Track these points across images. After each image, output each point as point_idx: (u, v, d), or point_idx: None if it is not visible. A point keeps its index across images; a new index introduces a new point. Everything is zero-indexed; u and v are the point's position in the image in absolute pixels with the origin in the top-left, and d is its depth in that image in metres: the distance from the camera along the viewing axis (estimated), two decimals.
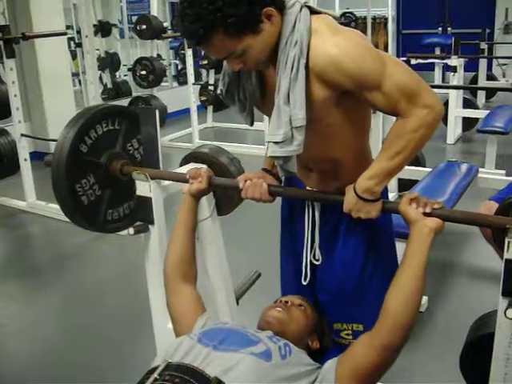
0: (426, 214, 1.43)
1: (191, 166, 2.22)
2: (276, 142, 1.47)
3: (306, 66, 1.43)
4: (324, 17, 1.49)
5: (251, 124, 1.66)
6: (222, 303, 2.28)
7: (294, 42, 1.42)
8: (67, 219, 2.03)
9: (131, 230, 2.01)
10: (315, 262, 1.78)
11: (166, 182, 2.08)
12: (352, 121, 1.57)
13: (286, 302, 1.70)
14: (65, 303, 3.34)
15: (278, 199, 1.81)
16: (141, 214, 2.05)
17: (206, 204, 2.20)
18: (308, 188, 1.74)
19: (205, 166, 1.83)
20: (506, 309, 1.43)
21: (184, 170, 2.23)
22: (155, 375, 1.29)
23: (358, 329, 1.77)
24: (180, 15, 1.39)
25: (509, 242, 1.41)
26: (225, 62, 1.59)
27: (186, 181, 1.82)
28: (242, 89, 1.59)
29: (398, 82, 1.42)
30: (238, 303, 2.43)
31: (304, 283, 1.79)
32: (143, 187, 2.01)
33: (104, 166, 1.95)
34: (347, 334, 1.80)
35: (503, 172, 4.66)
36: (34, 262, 4.06)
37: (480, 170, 3.95)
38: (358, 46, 1.42)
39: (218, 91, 1.65)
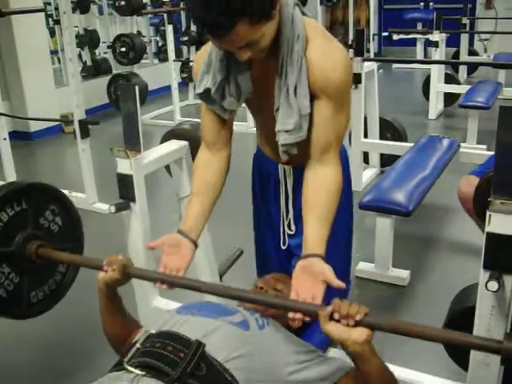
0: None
1: (172, 142, 2.21)
2: (287, 131, 1.52)
3: None
4: (311, 20, 1.54)
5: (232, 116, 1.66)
6: (205, 280, 2.28)
7: (297, 36, 1.46)
8: None
9: (112, 208, 1.99)
10: (289, 232, 1.86)
11: (147, 160, 2.06)
12: None
13: (262, 287, 1.70)
14: None
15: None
16: (122, 191, 2.03)
17: (188, 181, 2.19)
18: (280, 165, 1.80)
19: (124, 257, 1.58)
20: (487, 281, 1.44)
21: (164, 147, 2.21)
22: (137, 345, 1.33)
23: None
24: (203, 5, 1.28)
25: (490, 215, 1.42)
26: (208, 61, 1.56)
27: (100, 268, 1.56)
28: (234, 83, 1.55)
29: (347, 119, 1.57)
30: (221, 280, 2.44)
31: (283, 247, 1.88)
32: (124, 165, 1.99)
33: (17, 252, 1.71)
34: None
35: (484, 147, 4.71)
36: None
37: (461, 144, 3.96)
38: (346, 59, 1.51)
39: (201, 90, 1.57)
